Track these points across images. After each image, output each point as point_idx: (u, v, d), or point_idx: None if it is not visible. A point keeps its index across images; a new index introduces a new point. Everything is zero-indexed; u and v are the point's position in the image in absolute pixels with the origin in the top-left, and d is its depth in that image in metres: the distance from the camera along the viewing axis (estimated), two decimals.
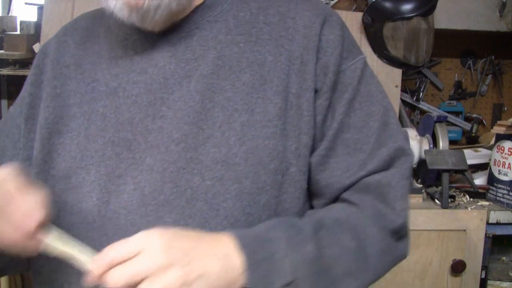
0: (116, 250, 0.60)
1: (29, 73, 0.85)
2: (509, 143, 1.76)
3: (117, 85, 0.76)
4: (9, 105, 3.06)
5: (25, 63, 2.49)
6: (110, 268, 0.59)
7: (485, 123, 2.35)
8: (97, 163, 0.74)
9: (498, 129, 1.81)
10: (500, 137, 1.81)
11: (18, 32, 2.58)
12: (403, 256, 0.78)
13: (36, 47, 2.48)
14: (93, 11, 0.89)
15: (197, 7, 0.78)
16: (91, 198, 0.73)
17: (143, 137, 0.73)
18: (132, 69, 0.76)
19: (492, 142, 1.94)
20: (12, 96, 2.71)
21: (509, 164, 1.75)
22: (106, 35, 0.82)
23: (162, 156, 0.72)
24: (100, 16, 0.84)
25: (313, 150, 0.76)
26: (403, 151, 0.78)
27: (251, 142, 0.72)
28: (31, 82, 0.83)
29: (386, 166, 0.77)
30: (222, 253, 0.62)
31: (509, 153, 1.76)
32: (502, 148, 1.78)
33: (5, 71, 2.44)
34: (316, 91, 0.75)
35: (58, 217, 0.72)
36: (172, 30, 0.76)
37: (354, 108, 0.77)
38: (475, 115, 2.34)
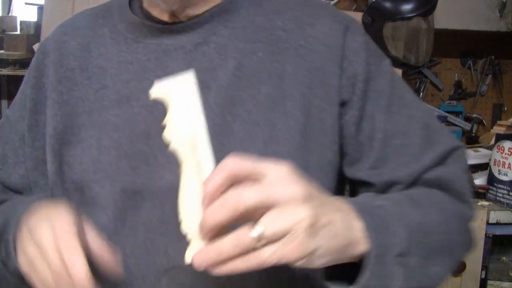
0: (247, 163, 0.50)
1: (27, 74, 0.79)
2: (509, 143, 1.76)
3: (129, 93, 0.71)
4: (9, 105, 3.06)
5: (25, 63, 2.49)
6: (233, 181, 0.50)
7: (485, 123, 2.35)
8: (111, 177, 0.69)
9: (498, 129, 1.81)
10: (500, 137, 1.81)
11: (18, 32, 2.58)
12: (472, 247, 0.75)
13: (36, 47, 2.48)
14: (92, 8, 0.83)
15: (212, 9, 0.73)
16: (106, 213, 0.69)
17: (161, 151, 0.68)
18: (144, 76, 0.71)
19: (492, 142, 1.94)
20: (12, 96, 2.71)
21: (509, 164, 1.75)
22: (112, 36, 0.75)
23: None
24: (103, 14, 0.79)
25: (350, 163, 0.73)
26: (455, 146, 0.75)
27: (273, 159, 0.67)
28: (31, 85, 0.77)
29: (442, 162, 0.73)
30: (346, 213, 0.56)
31: (509, 153, 1.76)
32: (502, 148, 1.78)
33: (5, 71, 2.44)
34: (343, 104, 0.71)
35: None
36: (185, 33, 0.71)
37: (394, 113, 0.73)
38: (475, 115, 2.34)
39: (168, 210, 0.67)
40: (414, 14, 1.91)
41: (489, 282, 1.77)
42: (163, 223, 0.67)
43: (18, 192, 0.78)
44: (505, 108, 2.37)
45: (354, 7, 2.14)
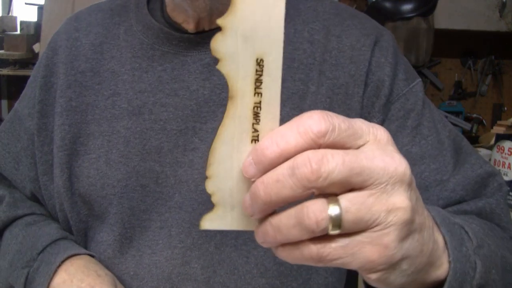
0: (337, 122, 0.34)
1: (35, 72, 0.74)
2: (509, 143, 1.76)
3: (141, 105, 0.67)
4: (9, 105, 3.06)
5: (25, 63, 2.50)
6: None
7: (485, 123, 2.35)
8: (119, 193, 0.66)
9: (498, 129, 1.81)
10: (500, 137, 1.81)
11: (18, 32, 2.58)
12: None
13: (36, 47, 2.48)
14: (110, 1, 0.75)
15: None
16: (113, 231, 0.66)
17: (172, 170, 0.65)
18: (159, 88, 0.66)
19: (492, 142, 1.94)
20: (12, 96, 2.71)
21: (509, 164, 1.75)
22: (127, 38, 0.70)
23: (191, 194, 0.64)
24: (119, 11, 0.73)
25: None
26: (491, 173, 0.66)
27: None
28: (40, 86, 0.71)
29: (478, 191, 0.65)
30: (430, 219, 0.42)
31: (509, 153, 1.76)
32: (502, 148, 1.78)
33: (5, 71, 2.44)
34: None
35: (80, 244, 0.69)
36: (205, 45, 0.66)
37: (423, 135, 0.66)
38: (475, 115, 2.34)
39: (175, 234, 0.64)
40: (414, 14, 1.91)
41: None
42: (169, 247, 0.64)
43: (29, 195, 0.75)
44: (505, 108, 2.37)
45: (354, 7, 2.14)
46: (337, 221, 0.33)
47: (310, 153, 0.33)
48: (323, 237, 0.34)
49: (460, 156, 0.67)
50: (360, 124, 0.36)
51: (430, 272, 0.42)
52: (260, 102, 0.35)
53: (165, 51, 0.67)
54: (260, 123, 0.35)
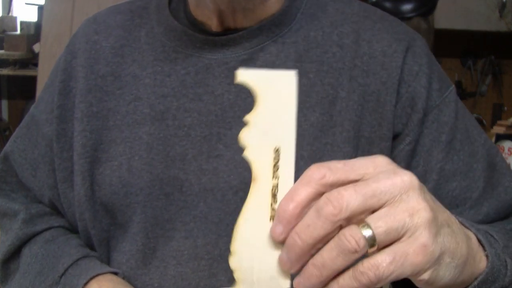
0: (337, 168, 0.40)
1: (53, 77, 0.72)
2: (509, 143, 1.76)
3: (164, 110, 0.64)
4: (9, 105, 3.06)
5: (25, 63, 2.50)
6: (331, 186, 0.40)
7: (485, 123, 2.35)
8: (142, 202, 0.64)
9: (498, 129, 1.81)
10: (500, 137, 1.81)
11: (18, 32, 2.58)
12: None
13: (36, 47, 2.48)
14: (129, 3, 0.73)
15: (262, 21, 0.65)
16: (136, 241, 0.64)
17: (196, 178, 0.62)
18: (183, 93, 0.64)
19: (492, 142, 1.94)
20: (12, 96, 2.71)
21: (509, 164, 1.75)
22: (148, 41, 0.68)
23: (217, 204, 0.62)
24: (139, 13, 0.71)
25: None
26: None
27: None
28: (59, 91, 0.68)
29: (510, 213, 0.64)
30: (455, 219, 0.46)
31: (509, 153, 1.76)
32: (502, 148, 1.78)
33: (5, 71, 2.45)
34: (396, 136, 0.63)
35: (102, 254, 0.67)
36: (230, 47, 0.65)
37: (456, 150, 0.63)
38: (475, 115, 2.34)
39: (201, 245, 0.62)
40: (414, 14, 1.91)
41: None
42: (196, 258, 0.62)
43: (48, 203, 0.72)
44: (505, 108, 2.38)
45: None
46: (371, 238, 0.37)
47: (327, 194, 0.38)
48: (372, 261, 0.38)
49: (494, 174, 0.65)
50: (356, 160, 0.40)
51: (474, 266, 0.45)
52: (277, 185, 0.41)
53: (189, 54, 0.65)
54: (277, 203, 0.40)
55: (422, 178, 0.62)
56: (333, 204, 0.37)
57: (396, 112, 0.62)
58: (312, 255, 0.39)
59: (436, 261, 0.40)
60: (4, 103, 2.70)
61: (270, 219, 0.41)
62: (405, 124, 0.63)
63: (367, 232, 0.37)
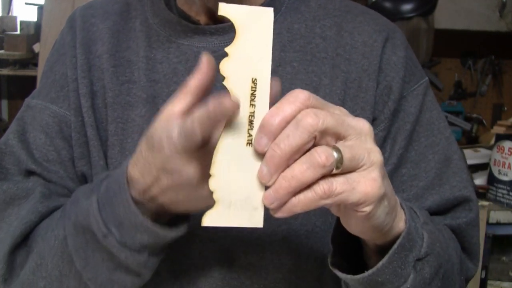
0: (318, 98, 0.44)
1: (57, 56, 0.71)
2: (509, 143, 1.76)
3: (156, 95, 0.66)
4: (9, 105, 3.06)
5: (25, 63, 2.49)
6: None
7: (485, 123, 2.35)
8: None
9: (498, 129, 1.81)
10: (500, 137, 1.81)
11: (18, 32, 2.58)
12: None
13: (36, 47, 2.48)
14: None
15: None
16: None
17: None
18: (174, 80, 0.66)
19: (492, 142, 1.94)
20: (12, 96, 2.70)
21: (509, 164, 1.75)
22: (142, 29, 0.70)
23: None
24: (135, 5, 0.73)
25: None
26: (466, 196, 0.67)
27: None
28: (72, 65, 0.69)
29: (449, 208, 0.67)
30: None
31: (509, 153, 1.76)
32: (502, 148, 1.78)
33: (5, 71, 2.45)
34: (373, 120, 0.66)
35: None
36: (217, 36, 0.67)
37: (413, 140, 0.67)
38: (475, 115, 2.34)
39: (195, 228, 0.62)
40: (414, 14, 1.91)
41: (489, 282, 1.77)
42: (188, 241, 0.61)
43: (65, 188, 0.68)
44: (505, 108, 2.38)
45: None
46: (339, 160, 0.42)
47: (306, 110, 0.42)
48: (328, 178, 0.42)
49: (447, 170, 0.68)
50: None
51: (395, 221, 0.50)
52: (254, 112, 0.44)
53: (181, 43, 0.67)
54: (253, 128, 0.44)
55: (387, 162, 0.65)
56: (311, 116, 0.41)
57: (376, 98, 0.66)
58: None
59: (379, 199, 0.44)
60: (4, 103, 2.70)
61: (247, 144, 0.44)
62: (381, 111, 0.66)
63: (336, 153, 0.42)
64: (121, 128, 0.66)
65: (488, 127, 2.34)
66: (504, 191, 1.76)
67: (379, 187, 0.44)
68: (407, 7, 1.91)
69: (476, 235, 0.68)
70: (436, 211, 0.67)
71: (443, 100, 2.35)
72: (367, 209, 0.44)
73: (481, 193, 1.82)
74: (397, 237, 0.51)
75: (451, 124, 2.31)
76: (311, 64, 0.66)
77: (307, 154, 0.42)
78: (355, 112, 0.64)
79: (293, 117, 0.42)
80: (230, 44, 0.65)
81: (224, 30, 0.66)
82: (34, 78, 2.21)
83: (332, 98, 0.65)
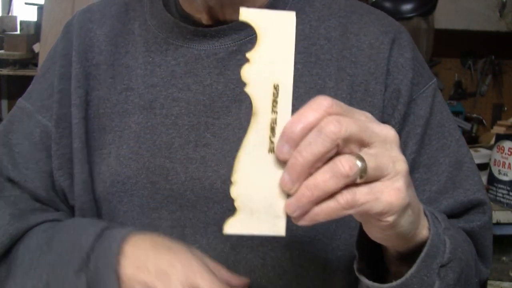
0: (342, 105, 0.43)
1: (49, 64, 0.71)
2: (509, 143, 1.76)
3: (153, 99, 0.65)
4: (9, 105, 3.06)
5: (25, 63, 2.49)
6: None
7: (485, 123, 2.35)
8: (129, 191, 0.64)
9: (498, 129, 1.81)
10: (500, 137, 1.81)
11: (18, 32, 2.59)
12: None
13: (36, 47, 2.48)
14: None
15: None
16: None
17: (183, 166, 0.63)
18: (172, 83, 0.65)
19: (492, 142, 1.94)
20: (12, 96, 2.71)
21: (509, 164, 1.75)
22: (141, 33, 0.69)
23: (206, 193, 0.62)
24: (133, 6, 0.71)
25: None
26: (480, 199, 0.66)
27: None
28: (59, 75, 0.68)
29: (463, 211, 0.67)
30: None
31: (509, 153, 1.76)
32: (502, 148, 1.78)
33: (5, 71, 2.45)
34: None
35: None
36: (219, 39, 0.65)
37: (424, 143, 0.66)
38: (475, 115, 2.34)
39: (189, 234, 0.62)
40: (414, 14, 1.91)
41: (489, 282, 1.77)
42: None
43: (44, 195, 0.68)
44: (505, 108, 2.38)
45: None
46: (363, 169, 0.40)
47: (329, 117, 0.41)
48: (352, 187, 0.41)
49: (459, 173, 0.66)
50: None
51: (419, 228, 0.49)
52: (276, 119, 0.43)
53: (179, 45, 0.66)
54: (275, 135, 0.43)
55: None
56: (334, 124, 0.40)
57: (384, 101, 0.64)
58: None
59: (403, 209, 0.43)
60: (4, 103, 2.70)
61: (269, 151, 0.43)
62: (391, 115, 0.65)
63: (360, 163, 0.40)
64: (118, 136, 0.66)
65: (488, 127, 2.34)
66: (504, 191, 1.76)
67: (403, 197, 0.43)
68: (407, 7, 1.91)
69: (489, 237, 0.67)
70: (450, 215, 0.65)
71: None
72: (391, 219, 0.43)
73: None
74: (419, 244, 0.51)
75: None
76: (315, 67, 0.65)
77: (330, 163, 0.41)
78: None
79: (316, 124, 0.41)
80: (230, 46, 0.64)
81: (225, 32, 0.65)
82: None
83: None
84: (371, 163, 0.41)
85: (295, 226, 0.57)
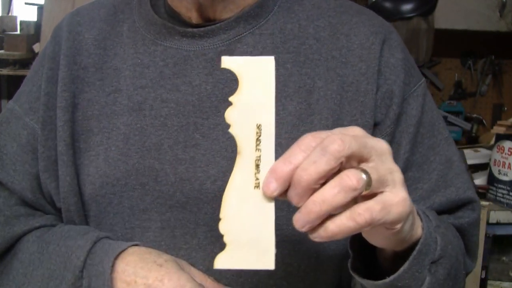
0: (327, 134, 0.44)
1: (37, 67, 0.71)
2: (509, 143, 1.76)
3: (142, 100, 0.65)
4: None
5: (25, 63, 2.50)
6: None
7: (485, 123, 2.35)
8: (119, 193, 0.64)
9: (498, 129, 1.81)
10: (500, 137, 1.81)
11: (18, 32, 2.58)
12: None
13: (36, 47, 2.48)
14: None
15: (239, 13, 0.65)
16: (115, 232, 0.64)
17: (172, 167, 0.63)
18: (160, 84, 0.65)
19: (492, 142, 1.94)
20: (12, 96, 2.71)
21: (509, 164, 1.75)
22: (130, 35, 0.69)
23: (195, 193, 0.62)
24: (122, 8, 0.71)
25: None
26: (470, 197, 0.68)
27: None
28: (47, 78, 0.68)
29: (454, 209, 0.68)
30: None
31: (509, 153, 1.76)
32: (502, 148, 1.78)
33: (5, 71, 2.45)
34: (375, 125, 0.65)
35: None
36: (208, 39, 0.65)
37: (417, 142, 0.67)
38: (475, 115, 2.34)
39: (179, 235, 0.63)
40: (414, 14, 1.91)
41: (489, 282, 1.77)
42: (174, 248, 0.62)
43: (25, 198, 0.69)
44: (505, 108, 2.37)
45: None
46: (368, 182, 0.42)
47: (332, 135, 0.42)
48: (367, 205, 0.42)
49: (449, 172, 0.68)
50: (341, 129, 0.45)
51: (414, 229, 0.51)
52: (260, 156, 0.45)
53: (167, 46, 0.66)
54: (260, 172, 0.45)
55: None
56: (338, 142, 0.41)
57: (376, 102, 0.65)
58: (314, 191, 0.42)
59: (408, 214, 0.45)
60: (4, 103, 2.70)
61: (255, 187, 0.45)
62: (385, 114, 0.65)
63: (365, 176, 0.42)
64: (106, 138, 0.65)
65: (488, 127, 2.34)
66: (504, 191, 1.76)
67: (409, 205, 0.45)
68: (407, 7, 1.91)
69: (476, 234, 0.70)
70: (441, 212, 0.67)
71: (443, 100, 2.35)
72: (398, 226, 0.45)
73: (481, 193, 1.82)
74: (414, 243, 0.53)
75: (451, 124, 2.31)
76: (304, 66, 0.65)
77: (337, 178, 0.42)
78: (354, 117, 0.64)
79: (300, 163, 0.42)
80: (219, 46, 0.65)
81: (213, 32, 0.65)
82: None
83: (327, 101, 0.64)
84: (374, 175, 0.42)
85: (285, 224, 0.59)
